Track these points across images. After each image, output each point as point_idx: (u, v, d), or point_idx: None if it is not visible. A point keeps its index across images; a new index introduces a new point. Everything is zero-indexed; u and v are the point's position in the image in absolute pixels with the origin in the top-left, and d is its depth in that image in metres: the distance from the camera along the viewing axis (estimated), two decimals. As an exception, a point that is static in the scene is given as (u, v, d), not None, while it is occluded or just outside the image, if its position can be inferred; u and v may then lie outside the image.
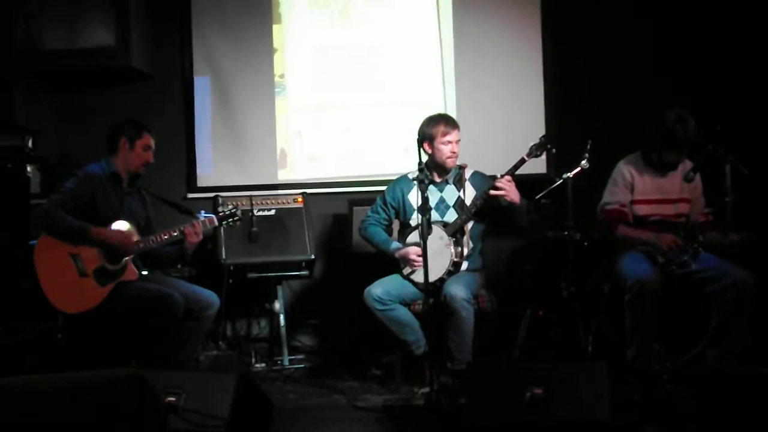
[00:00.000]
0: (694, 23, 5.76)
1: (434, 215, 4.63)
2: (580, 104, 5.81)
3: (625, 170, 4.68)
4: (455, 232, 4.57)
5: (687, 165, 4.61)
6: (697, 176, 4.60)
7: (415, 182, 4.31)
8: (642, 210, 4.64)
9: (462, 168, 4.74)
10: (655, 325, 4.35)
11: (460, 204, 4.66)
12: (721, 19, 5.71)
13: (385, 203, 4.81)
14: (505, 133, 5.86)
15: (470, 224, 4.65)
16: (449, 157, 4.62)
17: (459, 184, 4.71)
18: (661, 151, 4.57)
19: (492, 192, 4.45)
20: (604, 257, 4.76)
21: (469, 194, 4.67)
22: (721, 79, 5.68)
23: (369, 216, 4.84)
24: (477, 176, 4.75)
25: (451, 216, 4.64)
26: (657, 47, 5.79)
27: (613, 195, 4.67)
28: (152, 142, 4.58)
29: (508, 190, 4.43)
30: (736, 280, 4.33)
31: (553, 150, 4.52)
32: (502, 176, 4.46)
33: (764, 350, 4.59)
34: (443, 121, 4.63)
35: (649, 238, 4.51)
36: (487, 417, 3.40)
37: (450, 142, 4.60)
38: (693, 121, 4.45)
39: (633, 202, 4.65)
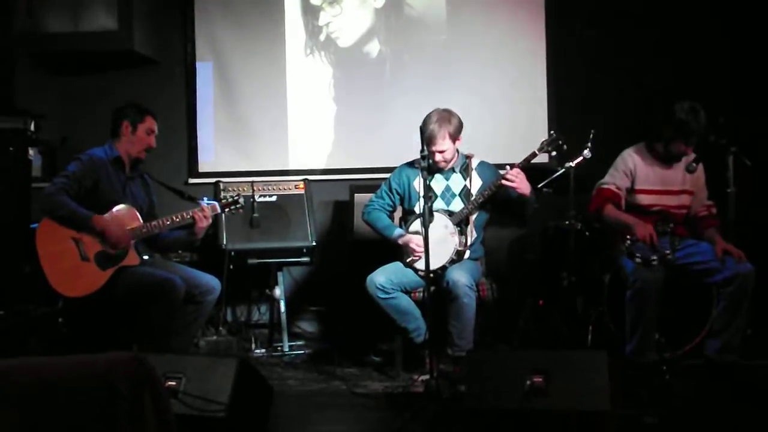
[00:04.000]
0: (697, 13, 5.73)
1: (440, 203, 4.64)
2: (583, 94, 5.79)
3: (628, 159, 4.67)
4: (460, 221, 4.56)
5: (690, 156, 4.60)
6: (700, 167, 4.59)
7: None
8: (644, 200, 4.63)
9: (469, 157, 4.73)
10: (655, 320, 4.35)
11: (465, 193, 4.66)
12: (724, 10, 5.69)
13: (390, 189, 4.80)
14: (508, 122, 5.85)
15: (475, 214, 4.65)
16: (438, 162, 4.59)
17: (465, 173, 4.71)
18: (669, 142, 4.55)
19: (504, 182, 4.44)
20: (605, 247, 4.76)
21: (476, 184, 4.67)
22: (725, 70, 5.67)
23: (373, 201, 4.84)
24: (484, 166, 4.74)
25: (457, 205, 4.64)
26: (660, 37, 5.77)
27: (612, 177, 4.67)
28: (155, 127, 4.57)
29: (519, 183, 4.43)
30: (736, 272, 4.33)
31: (564, 146, 4.49)
32: (513, 168, 4.45)
33: (763, 342, 4.60)
34: (428, 131, 4.47)
35: (629, 222, 4.48)
36: (486, 405, 3.40)
37: (436, 152, 4.53)
38: (703, 112, 4.43)
39: (635, 191, 4.64)
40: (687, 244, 4.57)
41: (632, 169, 4.64)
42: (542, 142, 4.52)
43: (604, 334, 4.60)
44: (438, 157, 4.59)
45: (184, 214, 4.41)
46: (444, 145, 4.56)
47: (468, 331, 4.40)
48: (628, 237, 4.36)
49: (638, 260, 4.29)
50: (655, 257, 4.28)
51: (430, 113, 4.60)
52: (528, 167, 4.53)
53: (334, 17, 6.04)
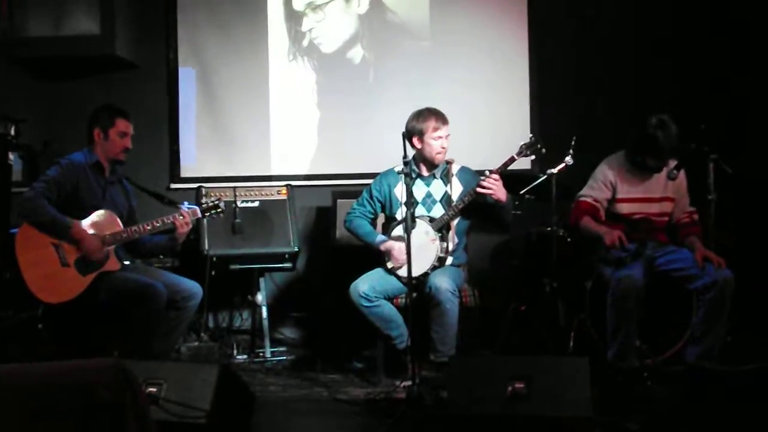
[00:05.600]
0: (679, 20, 5.77)
1: (421, 209, 4.64)
2: (565, 100, 5.82)
3: (607, 170, 4.68)
4: (441, 227, 4.57)
5: (671, 163, 4.62)
6: (682, 174, 4.62)
7: (401, 176, 4.29)
8: (625, 208, 4.65)
9: (449, 163, 4.74)
10: (636, 325, 4.37)
11: (446, 199, 4.67)
12: (706, 16, 5.73)
13: (371, 196, 4.80)
14: (490, 129, 5.86)
15: (456, 220, 4.65)
16: (439, 153, 4.61)
17: (446, 179, 4.71)
18: (644, 156, 4.58)
19: (480, 189, 4.45)
20: (586, 253, 4.77)
21: (456, 189, 4.67)
22: (707, 76, 5.70)
23: (355, 208, 4.83)
24: (464, 171, 4.75)
25: (438, 211, 4.65)
26: (643, 44, 5.80)
27: (591, 190, 4.69)
28: (128, 128, 4.52)
29: (496, 189, 4.43)
30: (716, 278, 4.35)
31: (543, 150, 4.50)
32: (491, 173, 4.46)
33: (742, 348, 4.63)
34: (434, 116, 4.61)
35: (600, 232, 4.52)
36: (468, 411, 3.40)
37: (440, 137, 4.59)
38: (674, 126, 4.44)
39: (616, 200, 4.65)
40: (667, 250, 4.60)
41: (612, 180, 4.65)
42: (521, 146, 4.51)
43: (585, 340, 4.61)
44: (443, 144, 4.59)
45: (165, 219, 4.39)
46: (449, 129, 4.61)
47: (450, 336, 4.40)
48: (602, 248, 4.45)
49: (612, 266, 4.42)
50: (625, 255, 4.41)
51: (419, 110, 4.65)
52: (510, 174, 4.54)
53: (317, 23, 6.04)
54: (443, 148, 4.62)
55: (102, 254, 4.31)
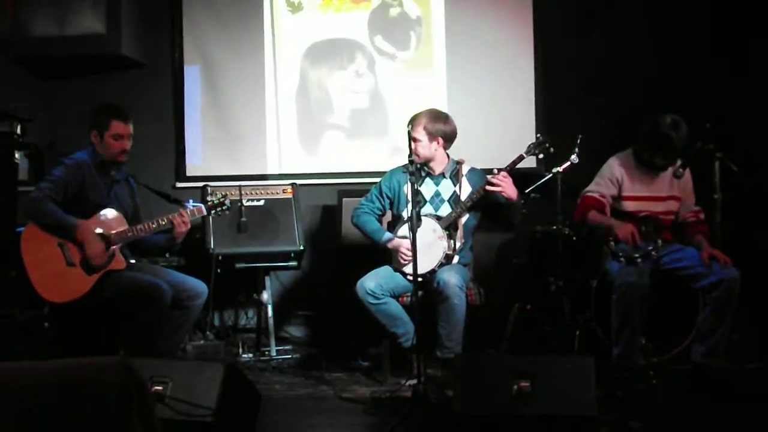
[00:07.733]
0: (686, 18, 5.75)
1: (428, 208, 4.64)
2: (570, 99, 5.80)
3: (615, 166, 4.68)
4: (449, 225, 4.57)
5: (677, 162, 4.61)
6: (687, 173, 4.61)
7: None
8: (630, 206, 4.64)
9: (459, 163, 4.74)
10: (641, 323, 4.36)
11: (455, 199, 4.66)
12: (714, 15, 5.71)
13: (380, 193, 4.80)
14: (496, 127, 5.85)
15: (464, 219, 4.65)
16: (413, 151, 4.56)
17: (455, 179, 4.71)
18: (653, 155, 4.57)
19: (488, 188, 4.45)
20: (592, 252, 4.77)
21: (465, 190, 4.67)
22: (712, 74, 5.68)
23: (363, 204, 4.83)
24: (474, 172, 4.75)
25: (445, 210, 4.64)
26: (649, 43, 5.79)
27: (597, 185, 4.68)
28: (125, 129, 4.45)
29: (505, 186, 4.43)
30: (722, 277, 4.34)
31: (552, 149, 4.51)
32: (500, 171, 4.46)
33: (749, 346, 4.62)
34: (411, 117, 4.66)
35: (610, 224, 4.51)
36: (473, 410, 3.40)
37: (417, 140, 4.59)
38: (686, 126, 4.45)
39: (622, 198, 4.65)
40: (673, 249, 4.59)
41: (618, 177, 4.65)
42: (529, 146, 4.54)
43: (591, 339, 4.61)
44: (413, 144, 4.54)
45: (166, 217, 4.40)
46: (417, 133, 4.59)
47: (457, 332, 4.40)
48: (611, 239, 4.40)
49: (622, 260, 4.32)
50: (638, 254, 4.30)
51: (437, 112, 4.71)
52: (516, 172, 4.54)
53: (321, 20, 6.02)
54: (416, 150, 4.56)
55: (103, 259, 4.31)
